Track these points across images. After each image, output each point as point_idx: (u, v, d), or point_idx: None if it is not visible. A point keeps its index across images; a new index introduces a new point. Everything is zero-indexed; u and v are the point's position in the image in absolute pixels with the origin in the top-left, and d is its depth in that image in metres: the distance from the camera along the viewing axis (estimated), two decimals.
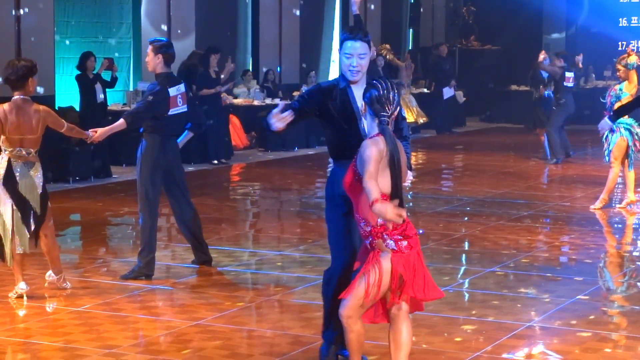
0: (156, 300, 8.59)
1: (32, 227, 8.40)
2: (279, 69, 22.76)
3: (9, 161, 8.31)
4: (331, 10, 25.21)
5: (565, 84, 18.05)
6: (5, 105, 8.32)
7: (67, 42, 18.16)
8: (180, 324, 7.73)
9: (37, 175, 8.40)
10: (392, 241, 5.70)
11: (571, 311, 8.18)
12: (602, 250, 10.95)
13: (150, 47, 9.26)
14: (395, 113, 5.76)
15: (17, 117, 8.28)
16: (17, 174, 8.30)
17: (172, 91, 9.15)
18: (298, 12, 23.58)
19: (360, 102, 6.14)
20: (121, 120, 8.98)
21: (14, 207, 8.32)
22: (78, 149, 15.30)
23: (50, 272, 8.75)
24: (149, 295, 8.69)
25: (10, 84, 8.39)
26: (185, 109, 9.32)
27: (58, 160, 15.05)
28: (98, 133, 8.88)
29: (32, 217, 8.39)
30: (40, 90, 16.38)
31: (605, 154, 13.01)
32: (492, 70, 27.84)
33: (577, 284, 9.16)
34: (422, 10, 28.69)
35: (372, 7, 26.29)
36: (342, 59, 6.26)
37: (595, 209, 13.08)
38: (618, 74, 13.13)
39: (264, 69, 22.06)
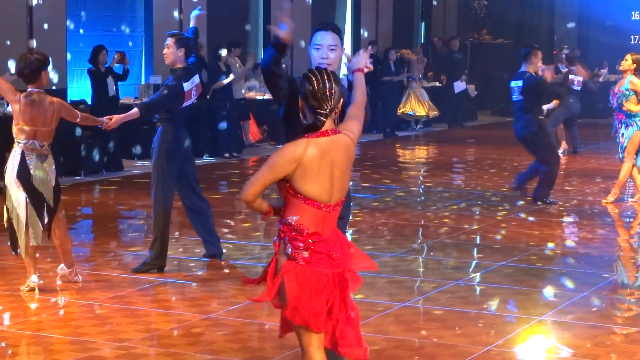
0: (167, 293, 8.60)
1: (46, 220, 8.42)
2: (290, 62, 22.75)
3: (22, 154, 8.33)
4: (343, 3, 25.19)
5: (570, 85, 18.02)
6: (22, 95, 8.34)
7: (79, 35, 18.17)
8: (191, 317, 7.74)
9: (50, 168, 8.42)
10: (290, 247, 5.04)
11: (582, 305, 8.17)
12: (613, 244, 10.93)
13: (171, 40, 9.22)
14: (339, 106, 5.03)
15: (31, 109, 8.30)
16: (31, 167, 8.31)
17: (187, 85, 9.15)
18: (310, 5, 23.56)
19: None
20: (135, 110, 9.02)
21: (28, 200, 8.34)
22: (89, 142, 15.35)
23: (62, 265, 8.76)
24: (160, 288, 8.70)
25: (24, 77, 8.41)
26: (195, 100, 9.38)
27: (69, 154, 15.08)
28: (113, 120, 8.90)
29: (45, 209, 8.41)
30: (52, 83, 16.44)
31: (620, 151, 13.01)
32: (504, 63, 27.79)
33: (589, 277, 9.14)
34: (434, 3, 28.64)
35: (384, 0, 26.26)
36: (312, 53, 5.75)
37: (607, 202, 13.07)
38: (623, 62, 13.07)
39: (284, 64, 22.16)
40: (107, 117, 8.95)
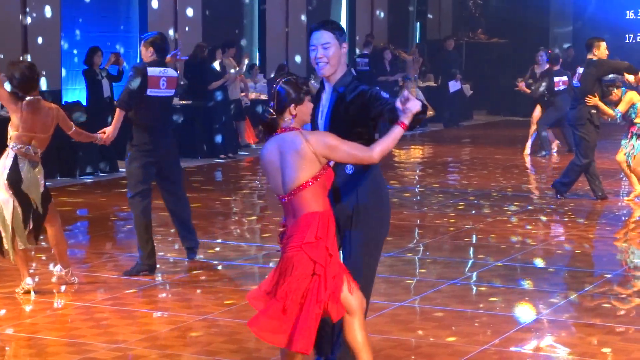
0: (163, 294, 8.59)
1: (30, 226, 8.39)
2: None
3: (15, 157, 8.31)
4: (338, 2, 25.19)
5: (555, 88, 17.99)
6: (24, 104, 8.32)
7: (74, 36, 18.15)
8: (187, 318, 7.73)
9: (40, 174, 8.42)
10: None
11: (579, 304, 8.17)
12: (609, 243, 10.92)
13: (142, 44, 9.33)
14: (291, 109, 5.42)
15: (33, 116, 8.30)
16: (23, 172, 8.30)
17: (153, 71, 9.11)
18: (305, 6, 23.56)
19: (326, 103, 5.84)
20: (117, 110, 9.03)
21: (16, 204, 8.32)
22: (84, 143, 15.31)
23: (58, 266, 8.75)
24: (156, 290, 8.69)
25: (24, 88, 8.35)
26: (171, 94, 9.34)
27: (64, 155, 15.05)
28: (107, 135, 8.92)
29: (32, 214, 8.38)
30: (46, 85, 16.43)
31: (626, 157, 13.08)
32: (499, 63, 27.81)
33: (585, 276, 9.14)
34: (429, 3, 28.66)
35: (379, 0, 26.27)
36: (310, 54, 5.84)
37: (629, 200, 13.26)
38: (614, 94, 13.23)
39: (278, 64, 22.21)
40: (100, 131, 8.97)
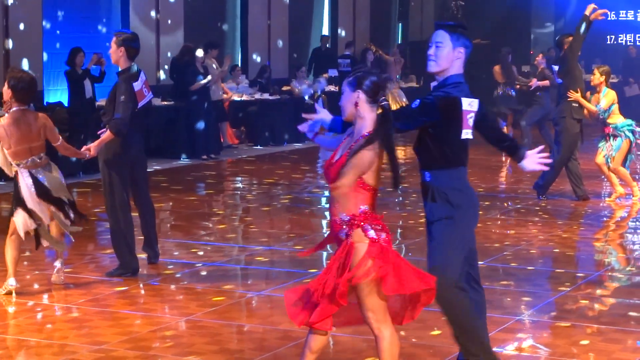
0: (146, 296, 8.58)
1: (72, 216, 8.51)
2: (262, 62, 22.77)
3: (30, 174, 8.30)
4: (321, 3, 25.20)
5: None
6: (3, 120, 8.28)
7: (56, 36, 18.11)
8: (170, 319, 7.73)
9: (58, 173, 8.51)
10: (372, 230, 5.52)
11: (560, 305, 8.20)
12: (590, 244, 10.97)
13: (113, 39, 9.22)
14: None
15: (18, 129, 8.25)
16: (45, 182, 8.33)
17: (137, 85, 9.09)
18: (287, 5, 23.57)
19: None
20: (108, 132, 8.93)
21: (52, 210, 8.37)
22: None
23: (58, 260, 8.69)
24: (139, 291, 8.68)
25: (27, 99, 8.38)
26: (152, 96, 9.33)
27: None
28: (92, 151, 8.90)
29: (69, 209, 8.49)
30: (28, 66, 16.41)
31: (606, 159, 13.13)
32: (481, 64, 27.85)
33: (567, 277, 9.17)
34: (411, 4, 28.71)
35: (362, 1, 26.30)
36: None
37: (610, 201, 13.33)
38: (593, 77, 13.28)
39: (260, 64, 22.23)
40: (86, 147, 8.96)
